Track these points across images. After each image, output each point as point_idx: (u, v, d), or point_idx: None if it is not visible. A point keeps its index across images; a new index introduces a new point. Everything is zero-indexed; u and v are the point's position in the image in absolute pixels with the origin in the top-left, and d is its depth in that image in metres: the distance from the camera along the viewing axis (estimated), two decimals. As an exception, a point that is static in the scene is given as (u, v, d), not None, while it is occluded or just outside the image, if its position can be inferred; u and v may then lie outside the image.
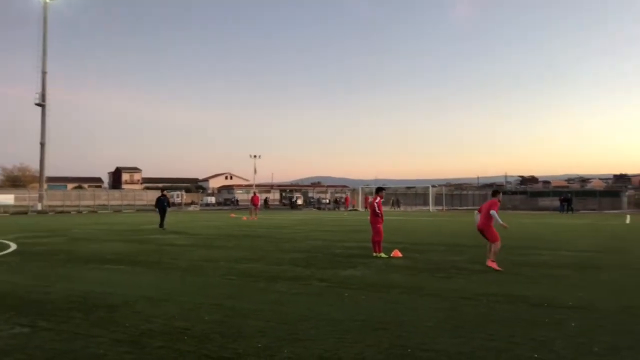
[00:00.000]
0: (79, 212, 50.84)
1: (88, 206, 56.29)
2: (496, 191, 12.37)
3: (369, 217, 13.11)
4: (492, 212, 10.95)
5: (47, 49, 56.22)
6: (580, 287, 8.48)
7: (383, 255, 12.44)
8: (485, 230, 11.09)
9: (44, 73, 55.90)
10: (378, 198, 12.99)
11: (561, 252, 13.65)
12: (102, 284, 8.76)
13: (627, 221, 31.53)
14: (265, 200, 68.67)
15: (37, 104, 55.65)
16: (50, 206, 52.73)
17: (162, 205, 23.65)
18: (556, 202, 53.78)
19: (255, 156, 72.80)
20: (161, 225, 23.20)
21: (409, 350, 5.01)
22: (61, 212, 49.56)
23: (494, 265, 10.62)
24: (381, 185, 15.53)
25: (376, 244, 12.62)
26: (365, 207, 52.96)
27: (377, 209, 12.70)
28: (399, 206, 60.93)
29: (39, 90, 55.64)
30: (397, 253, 12.62)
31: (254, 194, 40.00)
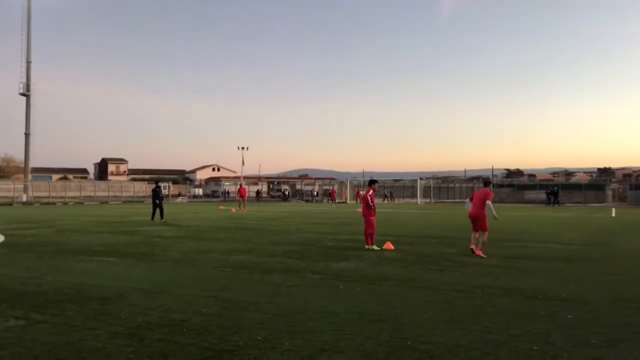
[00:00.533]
0: (65, 203, 50.37)
1: (74, 197, 55.77)
2: (487, 181, 13.07)
3: (361, 210, 13.13)
4: (488, 202, 11.55)
5: (32, 38, 55.40)
6: (572, 279, 8.57)
7: (375, 247, 12.47)
8: (478, 218, 11.63)
9: (28, 62, 55.10)
10: (371, 190, 13.01)
11: (550, 245, 13.80)
12: (94, 276, 8.68)
13: (613, 214, 31.95)
14: (257, 193, 68.58)
15: (22, 94, 54.90)
16: (35, 197, 52.10)
17: (156, 196, 23.48)
18: (542, 195, 54.37)
19: (243, 148, 72.51)
20: (154, 216, 23.01)
21: (409, 342, 5.03)
22: (47, 203, 49.06)
23: (481, 254, 11.24)
24: (371, 178, 15.54)
25: (369, 236, 12.64)
26: (356, 200, 53.13)
27: (370, 201, 12.71)
28: (392, 199, 61.07)
29: (23, 80, 54.88)
30: (389, 245, 12.66)
31: (241, 186, 40.41)
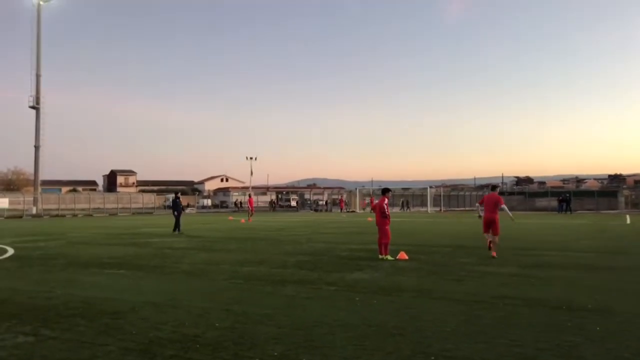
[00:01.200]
0: (75, 215, 50.46)
1: (83, 209, 55.90)
2: (495, 186, 13.96)
3: (372, 219, 12.90)
4: (503, 206, 12.68)
5: (41, 51, 55.84)
6: (595, 289, 8.29)
7: (389, 257, 12.23)
8: (494, 221, 12.56)
9: (37, 76, 55.48)
10: (386, 199, 12.79)
11: (569, 253, 13.49)
12: (104, 289, 8.52)
13: (628, 221, 31.45)
14: (271, 202, 68.61)
15: (31, 107, 55.24)
16: (45, 210, 52.28)
17: (176, 208, 23.06)
18: (554, 203, 53.71)
19: (251, 158, 72.57)
20: (176, 228, 22.21)
21: (432, 357, 4.80)
22: (56, 215, 49.17)
23: (495, 254, 12.39)
24: (384, 187, 15.33)
25: (383, 246, 12.40)
26: (366, 208, 52.65)
27: (385, 210, 12.49)
28: (408, 207, 60.47)
29: (33, 93, 55.23)
30: (403, 255, 12.41)
31: (249, 196, 41.35)
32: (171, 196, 74.62)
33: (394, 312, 6.69)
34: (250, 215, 36.04)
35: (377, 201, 13.28)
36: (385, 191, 13.33)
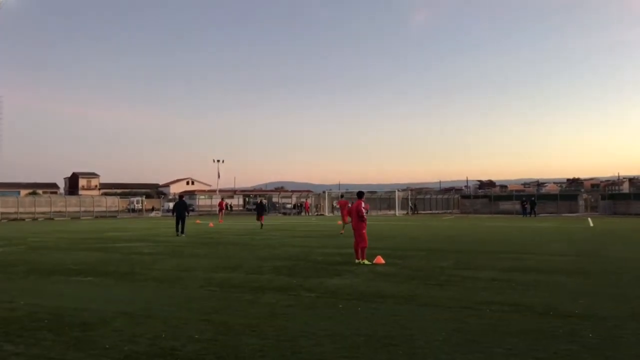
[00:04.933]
0: (35, 219, 48.73)
1: (44, 213, 54.04)
2: (361, 193, 13.35)
3: (351, 223, 12.69)
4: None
5: None
6: (578, 293, 8.25)
7: (366, 262, 12.02)
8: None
9: (-4, 74, 53.45)
10: (363, 203, 12.58)
11: (543, 257, 13.55)
12: (72, 299, 8.03)
13: (591, 224, 32.17)
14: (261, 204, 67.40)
15: (-11, 107, 53.14)
16: (2, 213, 50.26)
17: (180, 210, 23.30)
18: (518, 206, 54.51)
19: (219, 161, 71.69)
20: (178, 231, 22.74)
21: (430, 369, 4.58)
22: (14, 219, 47.37)
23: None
24: (358, 190, 15.11)
25: (361, 250, 12.19)
26: (343, 213, 52.16)
27: (362, 213, 12.28)
28: (416, 211, 60.19)
29: (-9, 92, 53.20)
30: (380, 260, 12.22)
31: (222, 199, 43.07)
32: (135, 199, 73.24)
33: (381, 321, 6.45)
34: (221, 217, 37.86)
35: (351, 205, 13.07)
36: (360, 194, 13.13)
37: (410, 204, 60.96)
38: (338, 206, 31.97)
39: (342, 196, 50.46)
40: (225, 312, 6.99)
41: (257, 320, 6.51)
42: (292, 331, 5.93)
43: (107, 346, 5.35)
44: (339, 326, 6.17)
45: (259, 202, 35.15)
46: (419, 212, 60.36)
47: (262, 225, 28.47)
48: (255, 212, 32.11)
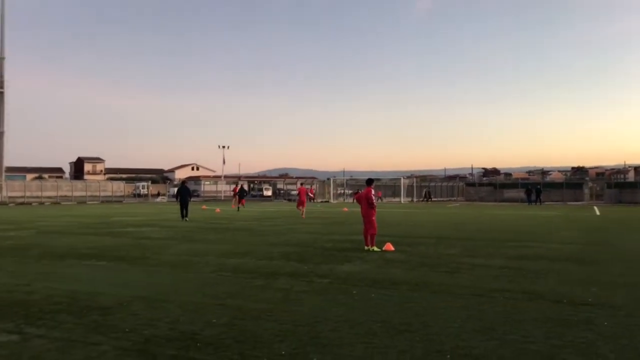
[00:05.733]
0: (41, 203, 48.99)
1: (50, 197, 54.37)
2: (370, 180, 13.27)
3: (361, 210, 12.72)
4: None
5: (5, 33, 53.76)
6: (590, 281, 8.28)
7: (376, 248, 12.08)
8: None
9: (1, 59, 53.47)
10: (373, 190, 12.60)
11: (552, 245, 13.56)
12: (87, 283, 8.11)
13: (597, 213, 32.13)
14: (242, 189, 67.32)
15: (-5, 91, 53.20)
16: (10, 197, 50.55)
17: (183, 195, 23.88)
18: (523, 194, 54.38)
19: (224, 147, 71.74)
20: (183, 216, 23.26)
21: (448, 356, 4.62)
22: (22, 203, 47.62)
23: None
24: (367, 178, 15.13)
25: (371, 237, 12.23)
26: (354, 200, 51.72)
27: (372, 200, 12.31)
28: (430, 198, 60.15)
29: (-3, 76, 53.17)
30: (389, 246, 12.27)
31: (236, 184, 43.17)
32: (141, 184, 73.44)
33: (396, 307, 6.50)
34: (235, 203, 36.89)
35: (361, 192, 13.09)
36: (369, 182, 13.14)
37: (424, 191, 60.74)
38: (298, 192, 32.27)
39: (302, 184, 51.14)
40: (240, 297, 7.06)
41: (272, 305, 6.57)
42: (308, 317, 5.98)
43: (127, 330, 5.42)
44: (354, 312, 6.22)
45: (240, 186, 38.58)
46: (431, 199, 60.14)
47: (239, 208, 32.93)
48: (237, 197, 36.01)
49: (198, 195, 73.06)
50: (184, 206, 23.58)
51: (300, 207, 27.36)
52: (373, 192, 12.57)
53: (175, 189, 77.17)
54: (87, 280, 8.37)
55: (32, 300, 6.83)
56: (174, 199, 28.64)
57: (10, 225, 20.10)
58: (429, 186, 67.34)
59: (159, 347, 4.88)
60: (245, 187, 64.51)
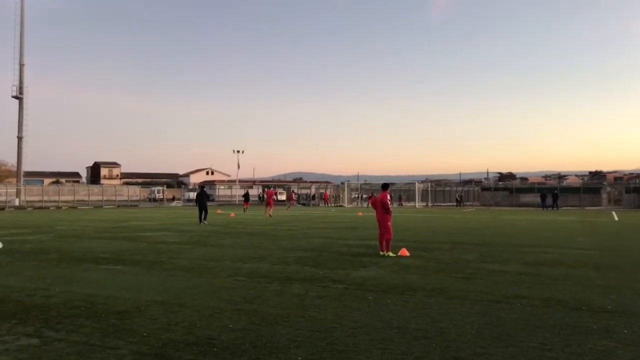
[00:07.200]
0: (59, 207, 49.60)
1: (67, 202, 54.99)
2: (386, 184, 13.25)
3: (376, 215, 12.69)
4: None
5: (25, 40, 54.64)
6: (609, 288, 8.17)
7: (391, 254, 12.04)
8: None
9: (21, 65, 54.37)
10: (388, 195, 12.58)
11: (570, 251, 13.41)
12: (105, 287, 8.18)
13: (616, 218, 31.69)
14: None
15: (14, 97, 54.10)
16: (28, 202, 51.29)
17: (202, 200, 24.70)
18: (539, 199, 53.74)
19: (238, 151, 72.05)
20: (201, 219, 23.96)
21: (466, 362, 4.59)
22: (39, 207, 48.28)
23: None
24: (383, 183, 15.10)
25: (386, 242, 12.20)
26: (370, 204, 51.92)
27: (388, 205, 12.28)
28: (462, 203, 59.80)
29: (16, 82, 54.09)
30: (404, 252, 12.22)
31: (270, 188, 42.28)
32: (156, 189, 73.98)
33: (412, 313, 6.47)
34: (266, 210, 32.60)
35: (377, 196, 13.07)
36: (385, 186, 13.11)
37: (457, 196, 60.29)
38: (265, 195, 34.28)
39: (269, 187, 51.66)
40: (256, 302, 7.07)
41: (287, 310, 6.58)
42: (324, 322, 5.98)
43: (144, 334, 5.46)
44: (370, 318, 6.21)
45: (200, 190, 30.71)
46: (439, 204, 59.84)
47: (204, 218, 24.77)
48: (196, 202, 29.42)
49: (213, 200, 73.46)
50: (202, 210, 24.27)
51: (267, 208, 30.91)
52: (388, 196, 12.53)
53: (191, 194, 77.84)
54: (105, 284, 8.44)
55: (51, 304, 6.92)
56: (191, 204, 29.10)
57: (30, 229, 20.38)
58: (462, 191, 66.81)
59: (176, 351, 4.91)
60: (256, 192, 64.18)
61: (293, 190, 60.73)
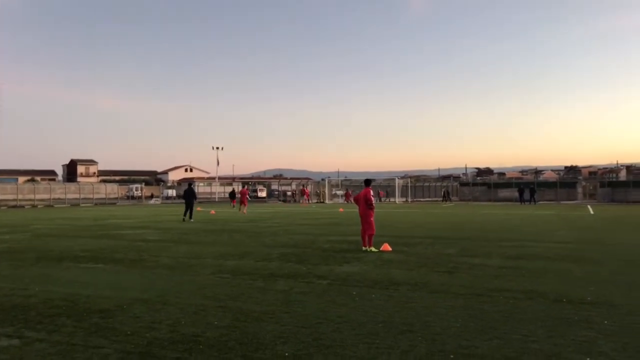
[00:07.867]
0: (34, 206, 48.71)
1: (43, 200, 54.03)
2: (369, 180, 13.33)
3: (359, 210, 12.72)
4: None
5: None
6: (587, 281, 8.31)
7: (373, 249, 12.09)
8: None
9: (-7, 60, 53.08)
10: (371, 190, 12.61)
11: (549, 244, 13.62)
12: (85, 285, 8.06)
13: (591, 212, 32.30)
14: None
15: (-13, 93, 52.87)
16: (1, 200, 50.24)
17: (188, 197, 24.42)
18: (517, 194, 54.50)
19: (218, 148, 71.58)
20: (185, 216, 23.81)
21: (452, 356, 4.63)
22: (14, 206, 47.36)
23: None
24: (365, 178, 15.14)
25: (369, 237, 12.24)
26: (348, 200, 52.15)
27: (371, 201, 12.32)
28: (449, 198, 59.93)
29: (-11, 78, 52.86)
30: (386, 247, 12.29)
31: (244, 186, 43.26)
32: (134, 186, 73.09)
33: (397, 307, 6.50)
34: (239, 207, 33.63)
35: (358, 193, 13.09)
36: (368, 182, 13.15)
37: (443, 192, 60.61)
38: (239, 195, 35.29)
39: (244, 186, 52.98)
40: (240, 299, 7.04)
41: (272, 307, 6.56)
42: (310, 318, 5.98)
43: (128, 333, 5.39)
44: (355, 313, 6.22)
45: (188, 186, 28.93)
46: (451, 199, 59.94)
47: (190, 215, 24.35)
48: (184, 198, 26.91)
49: (196, 198, 72.77)
50: (188, 207, 24.08)
51: (242, 206, 32.38)
52: (372, 192, 12.58)
53: (170, 191, 77.05)
54: (86, 283, 8.31)
55: (30, 303, 6.78)
56: (170, 200, 28.60)
57: (5, 229, 19.96)
58: (448, 186, 67.22)
59: (162, 349, 4.85)
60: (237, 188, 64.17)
61: (303, 186, 60.64)
